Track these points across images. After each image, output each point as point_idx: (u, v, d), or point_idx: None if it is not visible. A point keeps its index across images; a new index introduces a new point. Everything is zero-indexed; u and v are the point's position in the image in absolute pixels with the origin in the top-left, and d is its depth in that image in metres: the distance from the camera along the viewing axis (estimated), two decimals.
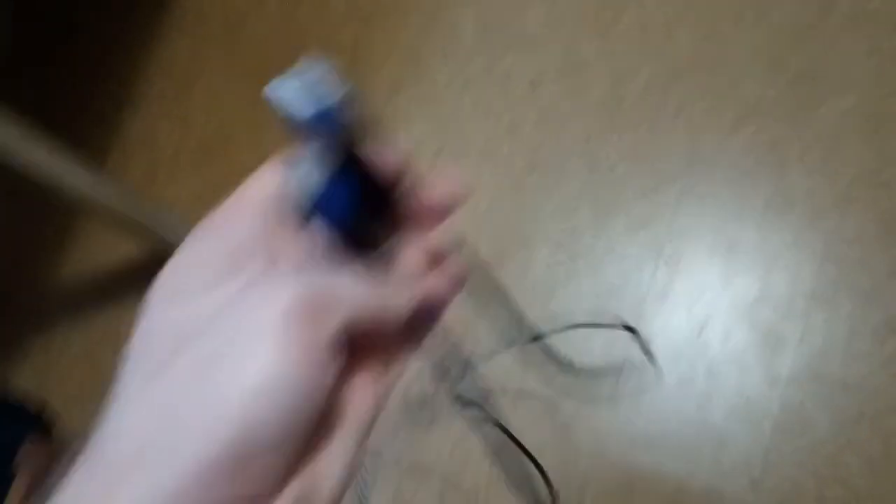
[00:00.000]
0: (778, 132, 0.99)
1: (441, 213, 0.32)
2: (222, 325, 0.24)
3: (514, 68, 1.06)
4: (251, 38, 1.12)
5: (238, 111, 1.09)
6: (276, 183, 0.28)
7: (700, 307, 0.97)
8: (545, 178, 1.02)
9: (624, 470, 0.94)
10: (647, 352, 0.97)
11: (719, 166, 0.99)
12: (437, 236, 0.32)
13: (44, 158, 0.94)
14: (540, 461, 0.95)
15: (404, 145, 0.29)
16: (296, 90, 0.26)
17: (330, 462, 0.26)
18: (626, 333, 0.97)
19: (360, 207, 0.29)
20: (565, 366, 0.97)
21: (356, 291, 0.27)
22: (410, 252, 0.32)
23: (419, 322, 0.32)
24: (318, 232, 0.29)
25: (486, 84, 1.07)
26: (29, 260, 1.08)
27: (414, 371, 1.00)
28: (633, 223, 0.99)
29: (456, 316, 0.34)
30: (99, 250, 1.06)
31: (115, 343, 0.29)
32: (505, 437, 0.96)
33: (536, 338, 0.95)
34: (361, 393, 0.29)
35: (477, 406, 0.97)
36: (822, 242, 0.96)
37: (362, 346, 0.30)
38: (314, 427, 0.24)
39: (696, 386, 0.95)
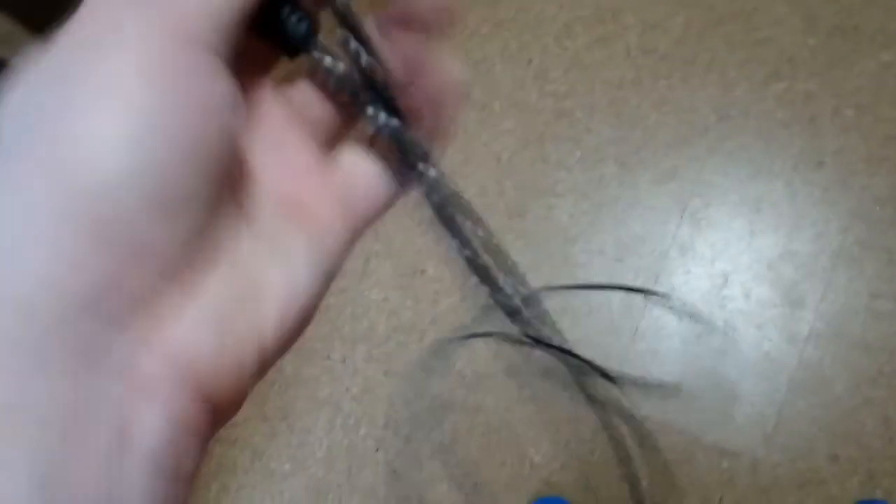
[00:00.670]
0: (812, 87, 0.97)
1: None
2: (73, 68, 0.17)
3: (546, 13, 1.05)
4: None
5: None
6: None
7: (723, 262, 0.96)
8: (573, 126, 1.01)
9: (637, 422, 0.95)
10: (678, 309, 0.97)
11: (751, 120, 0.97)
12: None
13: None
14: (551, 411, 0.97)
15: None
16: None
17: (263, 261, 0.21)
18: (650, 283, 0.97)
19: None
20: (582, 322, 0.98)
21: None
22: None
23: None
24: None
25: (517, 28, 1.05)
26: None
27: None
28: (661, 175, 0.98)
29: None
30: None
31: None
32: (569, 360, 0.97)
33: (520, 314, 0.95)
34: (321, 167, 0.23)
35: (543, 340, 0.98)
36: (851, 201, 0.95)
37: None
38: (216, 194, 0.19)
39: (713, 340, 0.95)
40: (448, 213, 0.23)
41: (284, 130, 0.22)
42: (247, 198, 0.21)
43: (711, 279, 0.96)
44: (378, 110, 0.22)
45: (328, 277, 0.22)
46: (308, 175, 0.22)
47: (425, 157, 0.23)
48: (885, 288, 0.93)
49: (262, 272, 0.20)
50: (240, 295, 0.20)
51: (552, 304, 0.98)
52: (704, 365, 0.95)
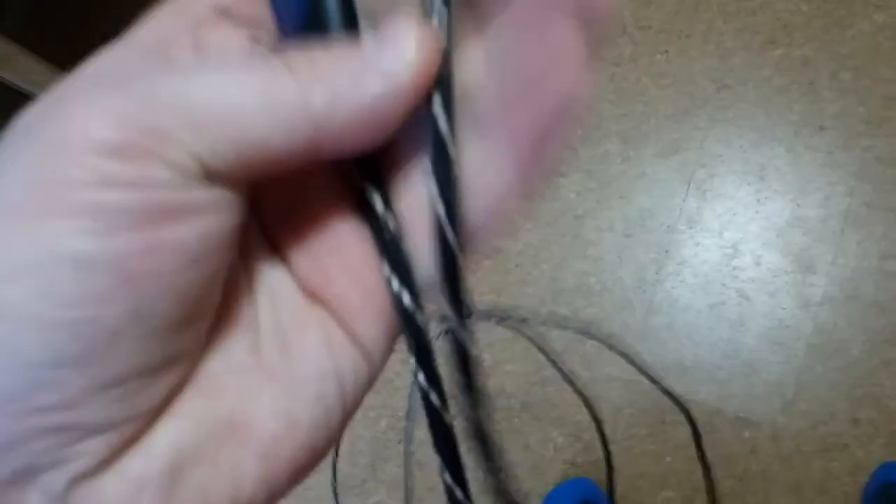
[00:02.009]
0: (809, 52, 0.98)
1: None
2: (8, 177, 0.15)
3: None
4: None
5: None
6: None
7: (731, 231, 0.96)
8: None
9: (657, 396, 0.94)
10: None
11: (750, 88, 0.98)
12: None
13: None
14: (570, 390, 0.96)
15: None
16: None
17: (253, 389, 0.17)
18: (661, 257, 0.97)
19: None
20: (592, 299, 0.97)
21: (246, 91, 0.15)
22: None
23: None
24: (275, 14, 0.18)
25: None
26: None
27: None
28: (664, 148, 0.99)
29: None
30: None
31: None
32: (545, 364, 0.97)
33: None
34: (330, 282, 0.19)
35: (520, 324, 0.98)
36: (855, 163, 0.95)
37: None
38: (187, 326, 0.16)
39: (727, 310, 0.95)
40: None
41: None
42: (248, 317, 0.18)
43: (721, 250, 0.96)
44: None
45: (347, 416, 0.19)
46: (350, 271, 0.19)
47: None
48: (894, 248, 0.93)
49: (247, 408, 0.17)
50: (212, 442, 0.16)
51: (567, 284, 0.97)
52: (720, 336, 0.95)
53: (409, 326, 0.18)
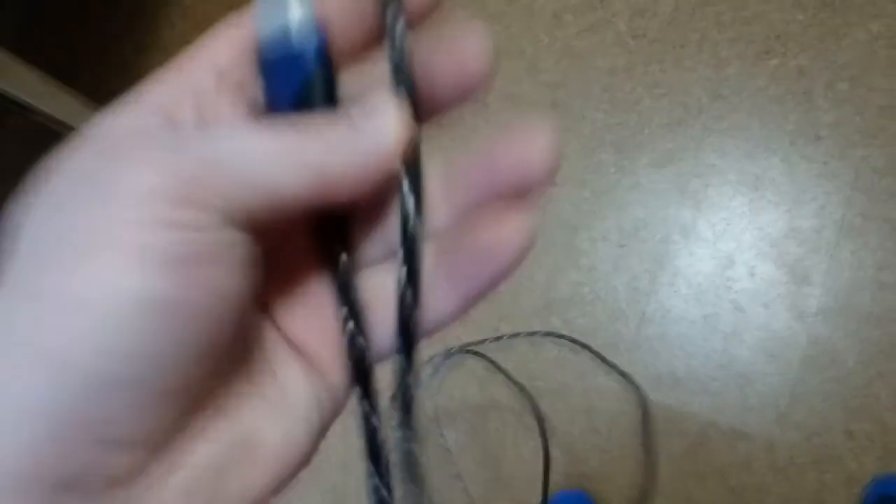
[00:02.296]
0: (804, 62, 0.97)
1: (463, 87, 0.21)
2: (60, 225, 0.17)
3: (536, 4, 1.05)
4: None
5: None
6: (232, 36, 0.21)
7: (726, 242, 0.96)
8: (568, 115, 1.01)
9: (652, 409, 0.94)
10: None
11: (745, 98, 0.97)
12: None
13: (65, 105, 0.94)
14: (563, 401, 0.96)
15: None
16: None
17: (261, 414, 0.20)
18: (655, 267, 0.97)
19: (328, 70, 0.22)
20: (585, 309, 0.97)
21: (264, 150, 0.18)
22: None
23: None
24: (266, 90, 0.21)
25: (508, 21, 1.05)
26: None
27: None
28: (659, 158, 0.98)
29: None
30: None
31: None
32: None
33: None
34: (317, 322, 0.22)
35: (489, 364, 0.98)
36: (851, 173, 0.95)
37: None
38: (216, 356, 0.18)
39: (722, 321, 0.94)
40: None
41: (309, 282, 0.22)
42: (253, 352, 0.21)
43: (716, 260, 0.96)
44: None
45: (323, 434, 0.22)
46: (322, 326, 0.22)
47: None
48: (890, 259, 0.93)
49: (260, 429, 0.20)
50: (232, 457, 0.19)
51: (560, 294, 0.97)
52: (714, 347, 0.94)
53: (359, 367, 0.22)
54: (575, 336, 0.96)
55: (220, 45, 0.21)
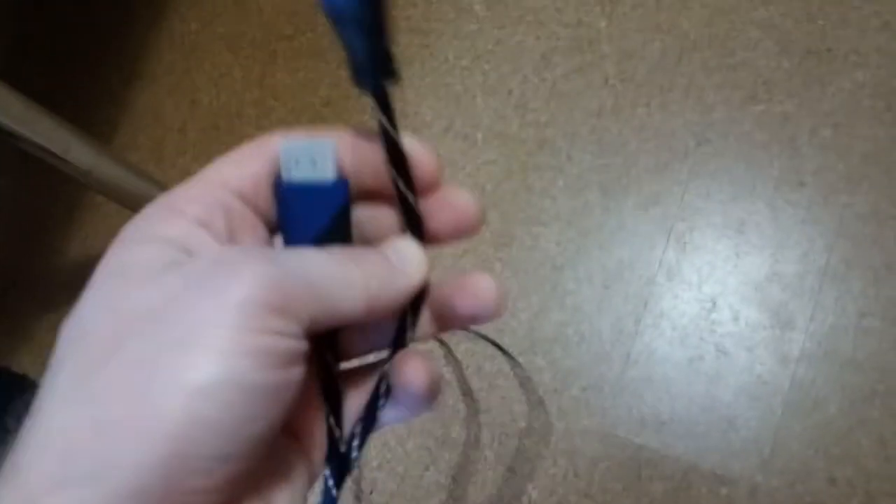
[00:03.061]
0: (789, 108, 0.98)
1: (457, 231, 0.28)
2: (170, 315, 0.21)
3: (525, 44, 1.06)
4: (260, 13, 1.11)
5: (246, 86, 1.09)
6: (254, 165, 0.25)
7: (710, 285, 0.96)
8: (555, 155, 1.02)
9: (633, 451, 0.93)
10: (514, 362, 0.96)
11: (730, 142, 0.98)
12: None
13: (50, 132, 0.93)
14: (545, 442, 0.95)
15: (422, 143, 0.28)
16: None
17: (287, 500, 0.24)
18: (639, 309, 0.97)
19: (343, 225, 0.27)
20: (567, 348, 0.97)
21: (337, 274, 0.23)
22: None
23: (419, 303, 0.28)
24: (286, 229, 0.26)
25: (497, 60, 1.06)
26: (36, 237, 1.08)
27: None
28: (644, 200, 0.99)
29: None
30: (106, 228, 1.06)
31: None
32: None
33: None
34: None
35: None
36: (835, 219, 0.95)
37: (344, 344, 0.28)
38: (268, 444, 0.22)
39: (705, 365, 0.94)
40: None
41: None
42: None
43: (700, 303, 0.96)
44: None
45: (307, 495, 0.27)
46: (309, 413, 0.27)
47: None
48: (872, 305, 0.93)
49: (274, 497, 0.24)
50: None
51: (545, 334, 0.97)
52: (698, 390, 0.94)
53: (337, 457, 0.27)
54: (560, 377, 0.96)
55: (243, 168, 0.25)
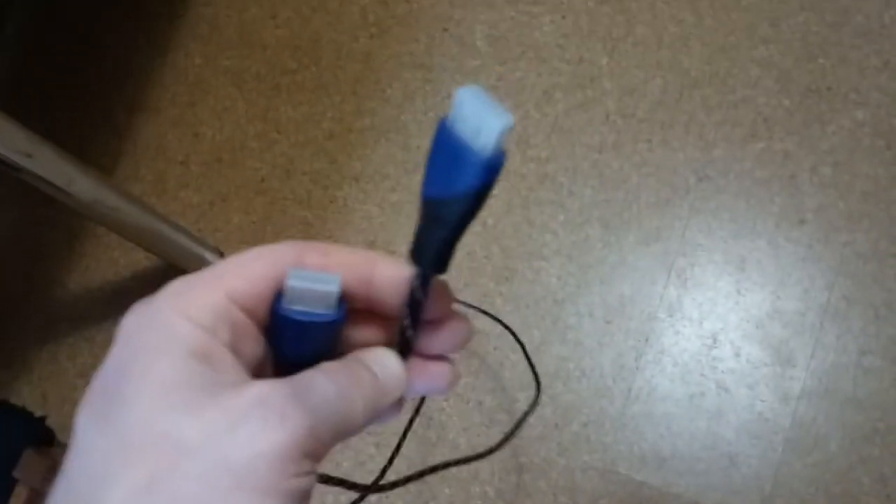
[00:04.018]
0: (790, 146, 0.99)
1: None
2: (213, 453, 0.22)
3: (527, 80, 1.06)
4: (264, 48, 1.12)
5: (249, 120, 1.09)
6: (260, 282, 0.27)
7: (711, 321, 0.96)
8: (556, 190, 1.02)
9: (634, 487, 0.93)
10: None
11: (731, 180, 0.99)
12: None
13: (53, 164, 0.94)
14: (546, 478, 0.95)
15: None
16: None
17: None
18: (640, 345, 0.96)
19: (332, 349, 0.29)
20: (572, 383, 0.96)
21: (348, 407, 0.26)
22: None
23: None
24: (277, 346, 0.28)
25: (499, 96, 1.06)
26: (37, 267, 1.08)
27: None
28: (645, 236, 0.99)
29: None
30: (107, 259, 1.06)
31: None
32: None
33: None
34: None
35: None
36: (835, 257, 0.95)
37: None
38: None
39: (706, 401, 0.94)
40: None
41: None
42: None
43: (701, 339, 0.96)
44: None
45: None
46: None
47: None
48: (873, 344, 0.93)
49: None
50: None
51: (545, 369, 0.97)
52: (699, 427, 0.94)
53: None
54: (560, 412, 0.95)
55: (249, 282, 0.26)
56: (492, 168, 0.24)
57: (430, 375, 0.31)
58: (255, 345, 0.27)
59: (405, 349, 0.30)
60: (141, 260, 1.04)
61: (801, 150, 0.98)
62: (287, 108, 1.08)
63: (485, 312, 0.94)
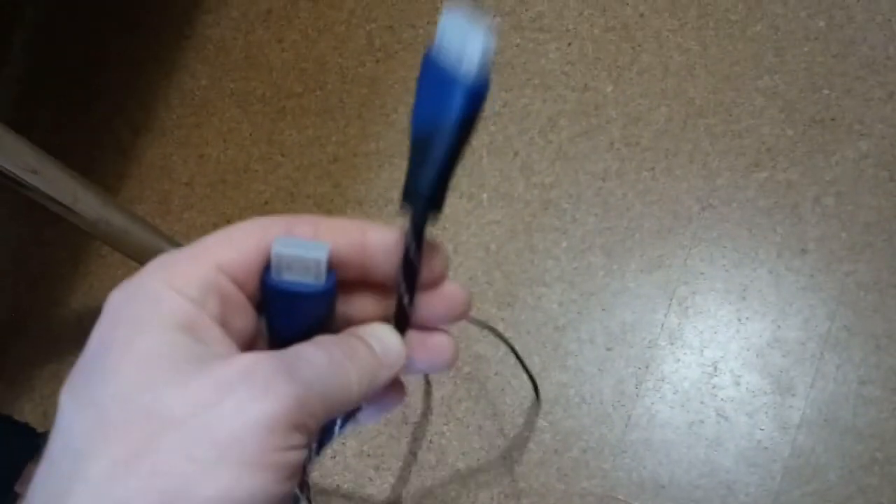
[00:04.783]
0: (793, 176, 0.99)
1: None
2: (199, 424, 0.21)
3: (531, 107, 1.07)
4: (270, 70, 1.12)
5: (254, 142, 1.09)
6: (248, 252, 0.26)
7: (712, 349, 0.96)
8: (559, 216, 1.02)
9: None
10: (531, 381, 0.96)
11: (734, 209, 0.99)
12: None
13: (59, 182, 0.94)
14: (545, 503, 0.95)
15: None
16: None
17: None
18: (641, 372, 0.97)
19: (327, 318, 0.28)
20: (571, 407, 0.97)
21: (341, 380, 0.25)
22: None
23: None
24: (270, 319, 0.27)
25: (503, 122, 1.07)
26: (41, 286, 1.08)
27: None
28: (647, 263, 0.99)
29: None
30: (111, 279, 1.06)
31: None
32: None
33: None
34: None
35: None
36: (836, 287, 0.96)
37: None
38: None
39: (706, 429, 0.94)
40: None
41: None
42: None
43: (701, 367, 0.96)
44: None
45: None
46: None
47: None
48: (873, 374, 0.94)
49: None
50: None
51: (546, 394, 0.97)
52: (698, 455, 0.94)
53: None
54: (560, 438, 0.96)
55: (237, 252, 0.25)
56: (476, 94, 0.24)
57: (429, 349, 0.30)
58: (245, 318, 0.26)
59: (403, 322, 0.29)
60: None
61: (804, 180, 0.99)
62: (292, 132, 1.08)
63: (488, 327, 0.94)
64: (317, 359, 0.24)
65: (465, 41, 0.23)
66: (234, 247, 0.25)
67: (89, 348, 0.24)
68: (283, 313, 0.26)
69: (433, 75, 0.25)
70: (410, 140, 0.26)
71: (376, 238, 0.27)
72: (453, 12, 0.23)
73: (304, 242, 0.25)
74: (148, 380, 0.22)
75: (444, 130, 0.25)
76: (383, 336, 0.28)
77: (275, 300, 0.26)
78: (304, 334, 0.26)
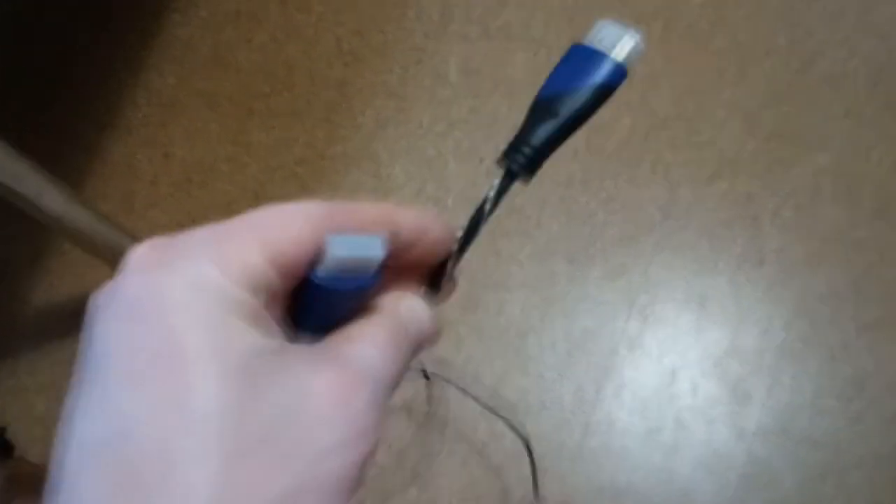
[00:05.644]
0: (753, 188, 1.01)
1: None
2: (274, 397, 0.20)
3: (498, 113, 1.08)
4: (238, 71, 1.12)
5: (220, 142, 1.09)
6: (298, 243, 0.23)
7: (671, 358, 0.97)
8: (523, 222, 1.03)
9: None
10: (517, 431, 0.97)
11: (695, 219, 1.00)
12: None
13: (23, 176, 0.93)
14: None
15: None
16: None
17: None
18: (601, 378, 0.97)
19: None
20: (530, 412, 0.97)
21: (395, 374, 0.24)
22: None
23: None
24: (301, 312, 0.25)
25: (469, 128, 1.08)
26: (1, 283, 1.07)
27: None
28: (609, 271, 1.00)
29: None
30: (72, 276, 1.05)
31: None
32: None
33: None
34: None
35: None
36: (793, 298, 0.97)
37: None
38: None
39: (664, 436, 0.95)
40: None
41: None
42: None
43: (660, 375, 0.97)
44: None
45: None
46: None
47: None
48: (828, 384, 0.95)
49: None
50: None
51: (507, 399, 0.97)
52: (655, 462, 0.95)
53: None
54: (520, 442, 0.96)
55: (287, 240, 0.23)
56: (619, 71, 0.27)
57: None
58: (279, 308, 0.24)
59: (437, 284, 0.29)
60: (106, 277, 1.03)
61: (763, 193, 1.00)
62: (259, 133, 1.08)
63: (497, 414, 0.94)
64: (383, 365, 0.24)
65: (620, 34, 0.27)
66: (288, 236, 0.23)
67: (133, 349, 0.21)
68: (322, 304, 0.25)
69: (581, 54, 0.27)
70: (534, 102, 0.28)
71: (438, 227, 0.27)
72: (610, 20, 0.27)
73: (358, 241, 0.24)
74: (239, 386, 0.20)
75: (581, 92, 0.27)
76: (420, 314, 0.27)
77: (318, 293, 0.24)
78: (338, 320, 0.25)
